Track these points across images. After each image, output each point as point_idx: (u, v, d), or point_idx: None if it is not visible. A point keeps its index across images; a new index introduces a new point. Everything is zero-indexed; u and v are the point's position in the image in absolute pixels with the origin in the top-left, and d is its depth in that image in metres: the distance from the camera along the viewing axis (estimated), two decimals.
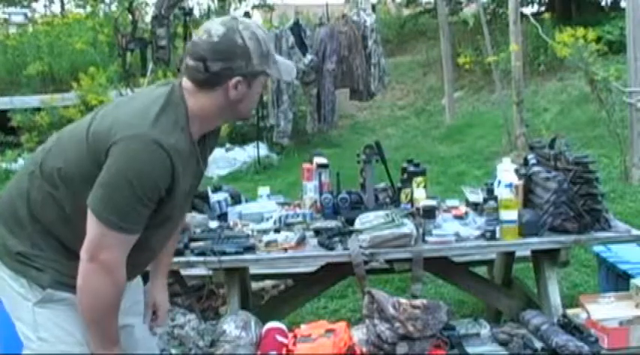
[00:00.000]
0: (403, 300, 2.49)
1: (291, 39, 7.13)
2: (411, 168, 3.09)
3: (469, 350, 2.53)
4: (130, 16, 7.53)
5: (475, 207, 3.03)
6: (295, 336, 2.57)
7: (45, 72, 9.16)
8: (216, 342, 2.55)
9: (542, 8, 11.62)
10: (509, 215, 2.69)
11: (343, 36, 7.19)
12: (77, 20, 10.65)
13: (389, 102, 10.10)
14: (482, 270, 3.60)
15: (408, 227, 2.69)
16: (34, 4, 15.98)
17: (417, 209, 2.86)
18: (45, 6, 15.96)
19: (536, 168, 2.85)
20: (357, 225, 2.76)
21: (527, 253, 3.04)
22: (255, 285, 3.58)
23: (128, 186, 1.58)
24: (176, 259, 2.53)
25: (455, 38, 9.83)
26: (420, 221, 2.77)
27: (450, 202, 3.19)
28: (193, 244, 2.71)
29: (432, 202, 2.86)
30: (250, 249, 2.71)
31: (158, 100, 1.67)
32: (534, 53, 9.03)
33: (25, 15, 12.58)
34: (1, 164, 7.55)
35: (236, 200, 3.24)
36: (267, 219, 3.01)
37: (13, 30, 11.11)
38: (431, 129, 8.83)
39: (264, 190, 3.43)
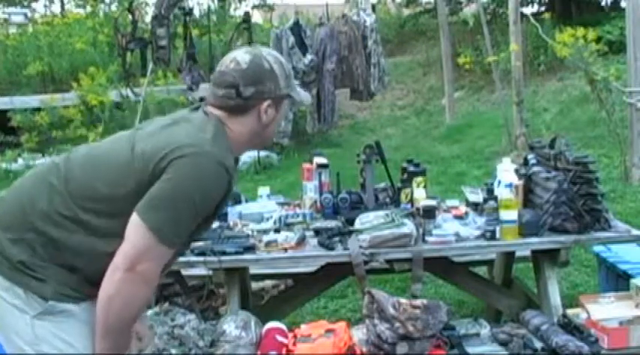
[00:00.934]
0: (403, 300, 2.49)
1: (291, 39, 7.14)
2: (411, 168, 3.09)
3: (469, 350, 2.53)
4: (130, 16, 7.54)
5: (475, 207, 3.03)
6: (295, 336, 2.57)
7: (45, 72, 9.15)
8: (216, 342, 2.55)
9: (542, 8, 11.62)
10: (509, 215, 2.69)
11: (343, 36, 7.19)
12: (77, 20, 10.65)
13: (389, 102, 10.10)
14: (482, 270, 3.60)
15: (408, 227, 2.69)
16: (34, 4, 15.99)
17: (417, 209, 2.86)
18: (45, 6, 15.96)
19: (536, 168, 2.85)
20: (357, 225, 2.76)
21: (527, 253, 3.04)
22: (255, 285, 3.58)
23: (190, 201, 1.61)
24: None
25: (455, 38, 9.83)
26: (420, 221, 2.77)
27: (450, 202, 3.19)
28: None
29: (432, 202, 2.86)
30: (250, 249, 2.71)
31: (207, 125, 1.71)
32: (534, 53, 9.03)
33: (25, 15, 12.57)
34: (1, 164, 7.54)
35: (236, 200, 3.24)
36: (267, 219, 3.00)
37: (13, 30, 11.10)
38: (431, 129, 8.83)
39: (264, 190, 3.43)
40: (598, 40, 5.94)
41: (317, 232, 2.82)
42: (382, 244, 2.66)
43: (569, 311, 2.70)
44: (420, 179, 3.04)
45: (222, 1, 12.13)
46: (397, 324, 2.42)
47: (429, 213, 2.77)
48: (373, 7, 8.35)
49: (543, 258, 2.82)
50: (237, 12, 11.93)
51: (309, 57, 7.11)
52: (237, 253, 2.68)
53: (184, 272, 3.13)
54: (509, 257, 3.30)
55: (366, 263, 2.68)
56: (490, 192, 2.80)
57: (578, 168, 2.72)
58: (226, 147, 1.71)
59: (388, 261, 2.92)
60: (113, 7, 11.23)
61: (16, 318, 1.67)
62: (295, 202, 3.28)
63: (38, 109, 8.15)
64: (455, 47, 9.48)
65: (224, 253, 2.64)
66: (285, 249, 2.71)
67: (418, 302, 2.48)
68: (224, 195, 1.70)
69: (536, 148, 3.04)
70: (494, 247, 2.83)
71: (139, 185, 1.63)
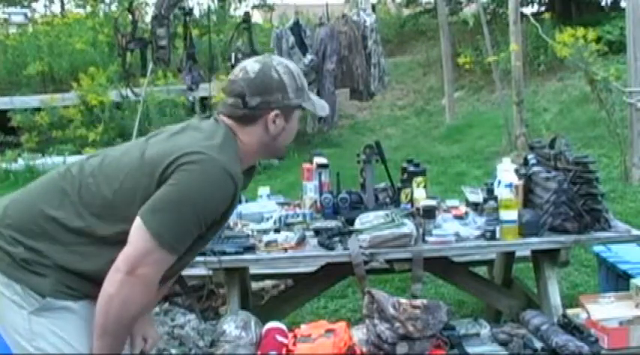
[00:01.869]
0: (403, 300, 2.49)
1: (291, 39, 7.15)
2: (411, 168, 3.09)
3: (469, 350, 2.53)
4: (130, 16, 7.53)
5: (475, 207, 3.03)
6: (295, 336, 2.57)
7: (45, 72, 9.14)
8: (216, 342, 2.55)
9: (542, 8, 11.61)
10: (509, 215, 2.69)
11: (343, 36, 7.20)
12: (77, 20, 10.65)
13: (389, 102, 10.10)
14: (482, 270, 3.60)
15: (408, 227, 2.69)
16: (34, 4, 15.98)
17: (417, 209, 2.86)
18: (45, 6, 15.96)
19: (536, 168, 2.85)
20: (357, 225, 2.76)
21: (527, 253, 3.04)
22: (255, 285, 3.58)
23: (193, 207, 1.61)
24: None
25: (455, 38, 9.83)
26: (420, 221, 2.77)
27: (450, 202, 3.19)
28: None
29: (432, 202, 2.86)
30: (250, 249, 2.71)
31: (216, 133, 1.71)
32: (534, 53, 9.03)
33: (25, 15, 12.56)
34: (1, 164, 7.54)
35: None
36: (267, 219, 3.00)
37: (13, 30, 11.10)
38: (431, 129, 8.83)
39: (264, 190, 3.43)
40: (598, 40, 5.94)
41: (317, 232, 2.82)
42: (382, 244, 2.66)
43: (569, 311, 2.70)
44: (420, 179, 3.04)
45: (222, 1, 12.13)
46: (397, 324, 2.42)
47: (429, 213, 2.77)
48: (373, 7, 8.36)
49: (543, 258, 2.82)
50: (237, 12, 11.92)
51: (309, 57, 7.11)
52: (237, 253, 2.68)
53: (184, 272, 3.11)
54: (509, 257, 3.30)
55: (366, 263, 2.67)
56: (490, 192, 2.80)
57: (578, 168, 2.72)
58: (234, 155, 1.71)
59: (388, 261, 2.92)
60: (113, 7, 11.23)
61: (14, 314, 1.69)
62: (295, 202, 3.28)
63: (38, 109, 8.15)
64: (455, 47, 9.47)
65: (224, 253, 2.64)
66: (285, 249, 2.71)
67: (418, 302, 2.48)
68: (230, 204, 1.69)
69: (536, 148, 3.04)
70: (494, 247, 2.83)
71: (146, 191, 1.64)
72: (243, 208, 3.14)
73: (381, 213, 2.80)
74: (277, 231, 2.88)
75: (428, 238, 2.72)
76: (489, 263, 3.53)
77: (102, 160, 1.77)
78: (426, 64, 10.99)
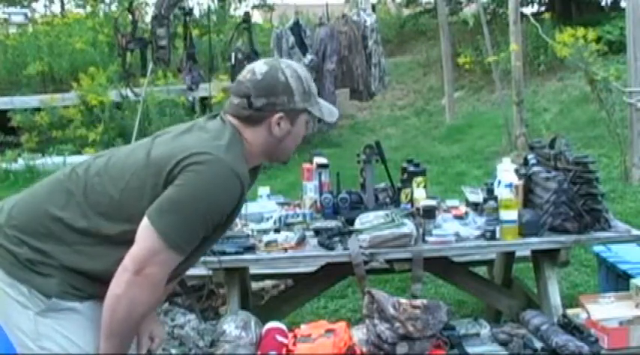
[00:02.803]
0: (403, 300, 2.49)
1: (291, 39, 7.15)
2: (411, 168, 3.09)
3: (469, 350, 2.53)
4: (130, 16, 7.54)
5: (475, 207, 3.03)
6: (295, 336, 2.57)
7: (45, 72, 9.14)
8: (216, 342, 2.55)
9: (542, 8, 11.61)
10: (509, 215, 2.69)
11: (343, 36, 7.20)
12: (77, 20, 10.65)
13: (389, 102, 10.10)
14: (482, 270, 3.60)
15: (408, 227, 2.69)
16: (34, 4, 15.98)
17: (417, 209, 2.86)
18: (45, 6, 15.96)
19: (536, 168, 2.85)
20: (357, 225, 2.76)
21: (527, 253, 3.04)
22: (255, 285, 3.58)
23: (200, 207, 1.61)
24: None
25: (455, 38, 9.83)
26: (420, 221, 2.77)
27: (450, 202, 3.19)
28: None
29: (432, 202, 2.86)
30: (250, 249, 2.71)
31: (223, 133, 1.71)
32: (534, 53, 9.03)
33: (25, 15, 12.56)
34: (1, 164, 7.54)
35: None
36: (267, 219, 3.00)
37: (13, 30, 11.10)
38: (431, 129, 8.83)
39: (264, 190, 3.43)
40: (598, 40, 5.94)
41: (317, 232, 2.82)
42: (382, 244, 2.66)
43: (569, 311, 2.70)
44: (420, 179, 3.04)
45: (222, 1, 12.13)
46: (397, 324, 2.42)
47: (429, 213, 2.77)
48: (373, 7, 8.36)
49: (543, 258, 2.82)
50: (237, 12, 11.92)
51: (309, 57, 7.11)
52: (237, 253, 2.68)
53: None
54: (509, 257, 3.30)
55: (366, 263, 2.67)
56: (490, 192, 2.80)
57: (578, 168, 2.72)
58: (240, 155, 1.70)
59: (388, 261, 2.92)
60: (113, 7, 11.24)
61: (19, 314, 1.69)
62: (295, 202, 3.28)
63: (38, 109, 8.15)
64: (455, 47, 9.48)
65: (224, 253, 2.64)
66: (285, 249, 2.71)
67: (418, 302, 2.48)
68: (237, 204, 1.69)
69: (536, 148, 3.04)
70: (494, 247, 2.83)
71: (153, 190, 1.64)
72: (243, 208, 3.14)
73: (381, 213, 2.80)
74: (277, 231, 2.88)
75: (428, 238, 2.72)
76: (489, 263, 3.53)
77: (107, 160, 1.76)
78: (426, 64, 10.99)
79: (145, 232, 1.61)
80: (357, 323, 2.77)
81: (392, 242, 2.66)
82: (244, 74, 1.76)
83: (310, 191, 3.14)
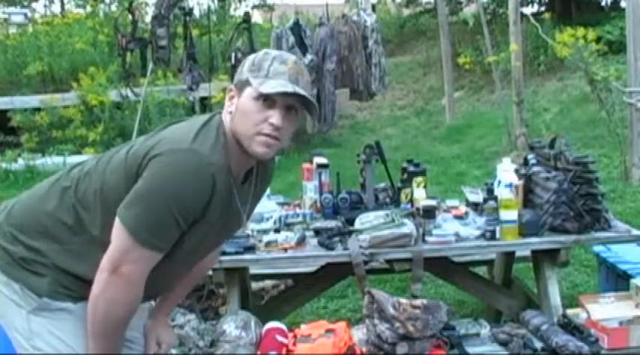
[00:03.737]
0: (403, 300, 2.49)
1: (291, 39, 7.14)
2: (411, 168, 3.09)
3: (469, 350, 2.53)
4: (130, 16, 7.54)
5: (475, 207, 3.03)
6: (295, 336, 2.57)
7: (45, 72, 9.15)
8: (216, 342, 2.54)
9: (542, 8, 11.62)
10: (509, 215, 2.69)
11: (343, 36, 7.19)
12: (77, 20, 10.65)
13: (389, 102, 10.10)
14: (482, 270, 3.60)
15: (408, 227, 2.69)
16: (34, 4, 15.96)
17: (417, 209, 2.86)
18: (45, 6, 15.94)
19: (536, 168, 2.85)
20: (357, 225, 2.76)
21: (527, 253, 3.04)
22: (255, 285, 3.58)
23: (164, 199, 1.55)
24: None
25: (455, 38, 9.84)
26: (420, 221, 2.77)
27: (450, 202, 3.19)
28: None
29: (432, 202, 2.86)
30: (250, 249, 2.71)
31: (196, 123, 1.65)
32: (534, 53, 9.03)
33: (25, 15, 12.55)
34: (1, 164, 7.54)
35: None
36: (267, 219, 3.00)
37: (13, 30, 11.10)
38: (431, 129, 8.83)
39: None
40: (598, 40, 5.95)
41: (317, 232, 2.82)
42: (382, 244, 2.66)
43: (569, 311, 2.70)
44: (420, 179, 3.04)
45: (222, 1, 12.12)
46: (397, 324, 2.42)
47: (429, 213, 2.77)
48: (373, 7, 8.34)
49: (543, 258, 2.82)
50: (237, 12, 11.92)
51: (309, 57, 7.10)
52: (237, 253, 2.67)
53: None
54: (509, 257, 3.30)
55: (366, 263, 2.67)
56: (490, 192, 2.80)
57: (578, 168, 2.72)
58: (214, 143, 1.61)
59: (388, 261, 2.92)
60: (113, 7, 11.25)
61: (13, 312, 1.69)
62: (295, 202, 3.28)
63: (38, 109, 8.16)
64: (455, 47, 9.48)
65: (224, 253, 2.64)
66: (285, 249, 2.71)
67: (418, 302, 2.48)
68: (211, 195, 1.59)
69: (536, 148, 3.04)
70: (494, 247, 2.83)
71: (129, 189, 1.60)
72: None
73: (381, 213, 2.80)
74: (277, 231, 2.88)
75: (428, 238, 2.72)
76: (489, 263, 3.53)
77: (100, 158, 1.76)
78: (426, 64, 11.00)
79: (117, 230, 1.59)
80: (357, 323, 2.77)
81: (392, 242, 2.66)
82: None
83: (310, 191, 3.14)
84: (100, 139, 7.64)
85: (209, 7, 10.67)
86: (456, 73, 9.30)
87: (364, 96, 7.50)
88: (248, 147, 1.63)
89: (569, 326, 2.55)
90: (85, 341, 1.67)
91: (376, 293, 2.52)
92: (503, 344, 2.56)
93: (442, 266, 3.05)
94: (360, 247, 2.65)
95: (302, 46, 7.18)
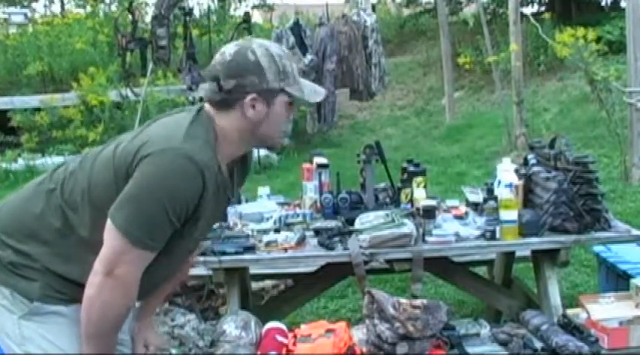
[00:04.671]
0: (403, 300, 2.49)
1: (291, 39, 7.14)
2: (411, 168, 3.09)
3: (469, 350, 2.53)
4: (130, 16, 7.54)
5: (475, 207, 3.03)
6: (295, 336, 2.57)
7: (45, 72, 9.15)
8: (216, 342, 2.54)
9: (542, 8, 11.62)
10: (509, 215, 2.69)
11: (343, 36, 7.19)
12: (77, 20, 10.64)
13: (389, 102, 10.10)
14: (482, 270, 3.60)
15: (408, 227, 2.69)
16: (34, 4, 15.99)
17: (417, 209, 2.86)
18: (45, 6, 15.97)
19: (536, 168, 2.85)
20: (357, 225, 2.76)
21: (527, 253, 3.03)
22: (255, 285, 3.58)
23: (156, 199, 1.54)
24: None
25: (455, 38, 9.84)
26: (420, 221, 2.77)
27: (450, 202, 3.19)
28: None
29: (432, 202, 2.86)
30: (250, 249, 2.70)
31: (184, 120, 1.64)
32: (534, 53, 9.04)
33: (25, 15, 12.55)
34: (1, 164, 7.55)
35: (237, 200, 3.24)
36: (267, 219, 3.00)
37: (13, 30, 11.10)
38: (431, 129, 8.84)
39: (264, 190, 3.43)
40: (598, 40, 5.95)
41: (317, 232, 2.82)
42: (382, 244, 2.66)
43: (569, 311, 2.70)
44: (420, 179, 3.04)
45: (222, 1, 12.13)
46: (397, 324, 2.42)
47: (429, 213, 2.77)
48: (373, 7, 8.35)
49: (543, 258, 2.82)
50: (237, 12, 11.94)
51: (309, 57, 7.11)
52: (237, 253, 2.67)
53: None
54: (509, 257, 3.30)
55: (366, 263, 2.67)
56: (490, 192, 2.80)
57: (578, 168, 2.72)
58: (203, 142, 1.60)
59: (388, 261, 2.92)
60: (113, 7, 11.25)
61: (4, 318, 1.68)
62: (295, 202, 3.28)
63: (38, 109, 8.16)
64: (455, 47, 9.48)
65: (224, 253, 2.64)
66: (285, 249, 2.70)
67: (418, 302, 2.48)
68: (202, 193, 1.59)
69: (536, 148, 3.04)
70: (494, 247, 2.83)
71: (120, 188, 1.59)
72: (243, 208, 3.14)
73: (381, 213, 2.80)
74: (277, 231, 2.88)
75: (428, 238, 2.72)
76: (489, 263, 3.53)
77: (84, 156, 1.74)
78: (426, 64, 11.00)
79: (109, 232, 1.57)
80: (357, 323, 2.77)
81: (392, 242, 2.66)
82: (216, 57, 1.67)
83: (310, 191, 3.14)
84: (100, 139, 7.63)
85: (209, 7, 10.69)
86: (456, 73, 9.30)
87: (364, 96, 7.51)
88: (272, 144, 1.75)
89: (569, 326, 2.55)
90: (78, 343, 1.66)
91: (376, 293, 2.52)
92: (503, 344, 2.56)
93: (442, 267, 3.05)
94: (360, 247, 2.65)
95: (302, 46, 7.19)
